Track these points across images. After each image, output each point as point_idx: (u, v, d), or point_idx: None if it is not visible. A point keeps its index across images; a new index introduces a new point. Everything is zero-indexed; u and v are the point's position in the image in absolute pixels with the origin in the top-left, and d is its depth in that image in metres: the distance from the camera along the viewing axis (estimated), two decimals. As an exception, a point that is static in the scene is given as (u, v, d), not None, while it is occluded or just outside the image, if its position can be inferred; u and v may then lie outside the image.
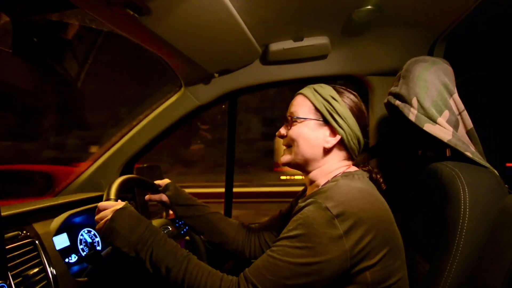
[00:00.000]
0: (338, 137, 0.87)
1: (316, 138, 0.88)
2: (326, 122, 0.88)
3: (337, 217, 0.70)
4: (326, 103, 0.87)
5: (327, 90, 0.89)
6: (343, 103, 0.87)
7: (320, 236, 0.70)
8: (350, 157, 0.91)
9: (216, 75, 1.50)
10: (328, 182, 0.86)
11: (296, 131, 0.90)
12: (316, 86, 0.92)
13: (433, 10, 1.16)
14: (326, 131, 0.88)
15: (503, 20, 1.19)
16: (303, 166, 0.92)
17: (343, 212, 0.71)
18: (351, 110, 0.87)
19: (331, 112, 0.87)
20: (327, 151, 0.88)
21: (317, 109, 0.89)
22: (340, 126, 0.86)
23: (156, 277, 0.78)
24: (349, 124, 0.86)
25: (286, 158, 0.94)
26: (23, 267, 0.95)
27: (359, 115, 0.89)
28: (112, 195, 0.87)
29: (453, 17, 1.18)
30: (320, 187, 0.87)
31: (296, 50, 1.40)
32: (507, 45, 1.33)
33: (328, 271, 0.70)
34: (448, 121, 0.98)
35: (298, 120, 0.90)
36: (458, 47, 1.34)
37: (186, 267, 0.76)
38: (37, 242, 1.03)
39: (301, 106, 0.91)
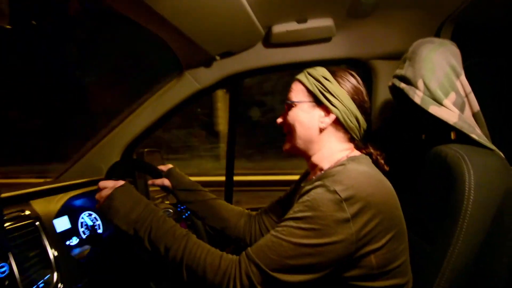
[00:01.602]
0: (333, 117, 0.86)
1: (311, 119, 0.88)
2: (319, 103, 0.87)
3: (345, 200, 0.70)
4: (318, 84, 0.87)
5: (319, 71, 0.89)
6: (335, 82, 0.86)
7: (326, 219, 0.69)
8: (351, 137, 0.90)
9: (218, 57, 1.48)
10: (333, 166, 0.85)
11: (291, 115, 0.91)
12: (310, 69, 0.92)
13: None
14: (320, 111, 0.88)
15: None
16: (303, 150, 0.91)
17: (352, 196, 0.70)
18: (346, 88, 0.86)
19: (323, 92, 0.86)
20: (323, 132, 0.88)
21: (309, 91, 0.89)
22: (333, 105, 0.85)
23: (155, 256, 0.77)
24: (344, 103, 0.85)
25: (286, 144, 0.94)
26: (24, 248, 0.95)
27: (355, 93, 0.87)
28: (114, 175, 0.87)
29: None
30: (324, 170, 0.87)
31: (299, 32, 1.37)
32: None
33: (332, 253, 0.70)
34: (454, 103, 0.96)
35: (293, 105, 0.90)
36: (466, 30, 1.31)
37: (185, 246, 0.76)
38: (37, 223, 1.02)
39: (295, 91, 0.92)
